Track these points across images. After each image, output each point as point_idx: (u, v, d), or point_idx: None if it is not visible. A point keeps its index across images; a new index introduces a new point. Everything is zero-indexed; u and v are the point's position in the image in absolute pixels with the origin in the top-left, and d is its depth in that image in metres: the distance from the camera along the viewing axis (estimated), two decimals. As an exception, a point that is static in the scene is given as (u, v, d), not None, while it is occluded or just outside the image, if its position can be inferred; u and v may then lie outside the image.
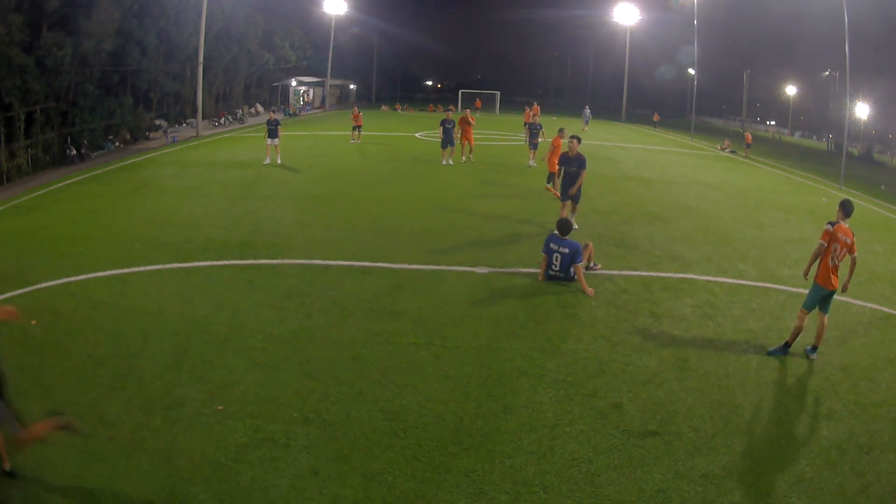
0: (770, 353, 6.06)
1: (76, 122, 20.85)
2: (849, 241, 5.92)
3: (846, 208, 6.06)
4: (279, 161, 16.74)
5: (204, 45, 26.07)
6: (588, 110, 34.76)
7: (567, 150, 10.30)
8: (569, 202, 10.26)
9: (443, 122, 17.68)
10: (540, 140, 18.07)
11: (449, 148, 17.58)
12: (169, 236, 9.41)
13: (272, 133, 16.61)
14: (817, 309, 6.04)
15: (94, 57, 21.03)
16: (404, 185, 14.43)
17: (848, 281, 6.04)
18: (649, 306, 7.13)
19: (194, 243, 9.02)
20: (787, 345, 6.08)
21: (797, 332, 6.03)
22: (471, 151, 18.14)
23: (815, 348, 6.05)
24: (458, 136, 17.73)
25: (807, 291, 6.13)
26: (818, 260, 5.99)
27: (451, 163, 17.50)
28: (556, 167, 13.09)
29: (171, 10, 25.80)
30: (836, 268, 5.94)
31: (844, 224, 5.99)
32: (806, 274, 6.13)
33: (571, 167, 10.13)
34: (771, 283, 8.20)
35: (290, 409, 4.75)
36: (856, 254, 5.99)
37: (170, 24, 26.03)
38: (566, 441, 4.48)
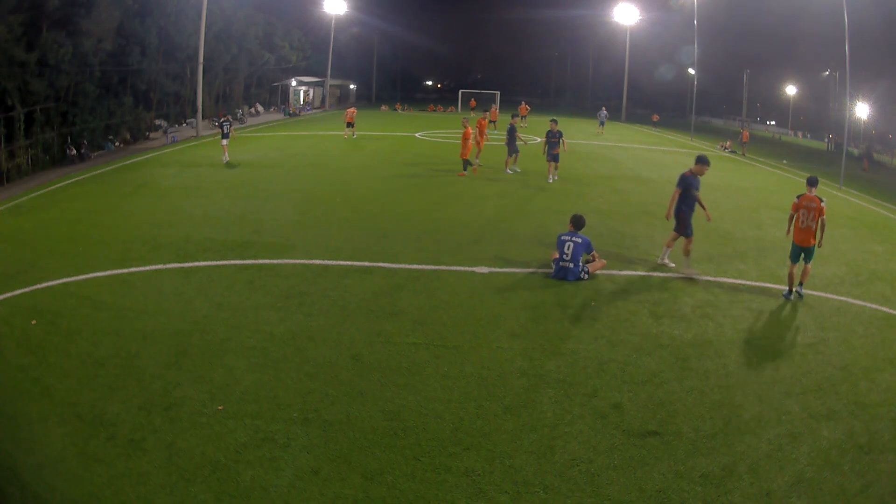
0: (785, 297, 7.60)
1: (76, 122, 20.86)
2: (814, 205, 7.45)
3: (810, 182, 7.72)
4: (225, 159, 17.25)
5: (204, 45, 26.07)
6: (604, 111, 33.29)
7: (697, 171, 8.50)
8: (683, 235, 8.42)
9: (511, 129, 16.27)
10: (558, 151, 15.14)
11: (514, 155, 16.37)
12: (169, 236, 9.41)
13: (224, 133, 17.58)
14: (803, 259, 7.58)
15: (93, 57, 21.04)
16: (404, 185, 14.43)
17: (821, 238, 7.50)
18: (649, 306, 7.13)
19: (194, 243, 9.02)
20: (790, 290, 7.57)
21: (791, 278, 7.62)
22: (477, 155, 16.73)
23: (801, 284, 7.62)
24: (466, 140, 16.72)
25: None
26: (793, 224, 7.67)
27: (518, 170, 16.27)
28: (468, 155, 15.24)
29: (171, 10, 25.82)
30: (809, 228, 7.46)
31: (810, 194, 7.55)
32: (788, 233, 7.78)
33: (698, 190, 8.40)
34: (771, 283, 8.20)
35: (290, 409, 4.75)
36: (825, 216, 7.41)
37: (170, 24, 26.06)
38: (566, 441, 4.48)
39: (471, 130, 15.51)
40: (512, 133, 16.11)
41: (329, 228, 10.16)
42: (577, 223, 8.19)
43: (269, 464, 4.11)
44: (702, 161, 8.48)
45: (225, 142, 17.47)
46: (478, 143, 16.44)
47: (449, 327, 6.31)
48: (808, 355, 6.07)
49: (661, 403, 5.03)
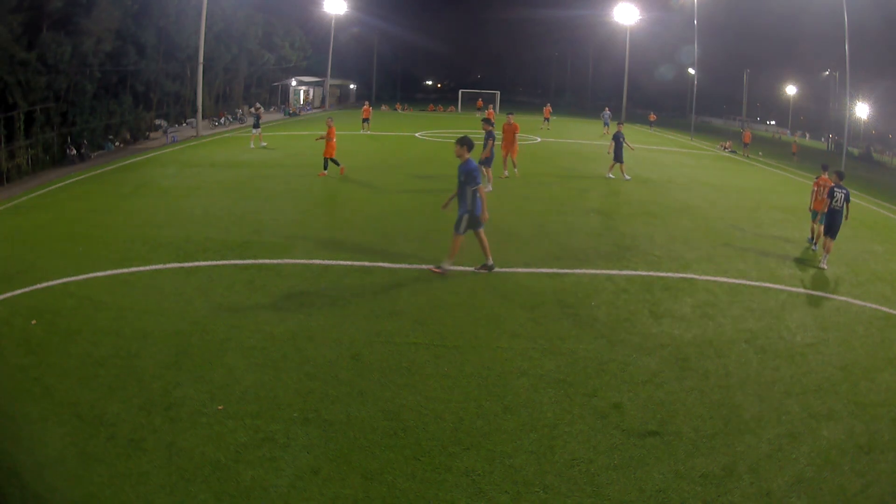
0: (813, 247, 10.29)
1: (76, 122, 20.85)
2: (827, 185, 10.03)
3: (824, 167, 10.85)
4: (262, 144, 20.78)
5: (204, 45, 26.06)
6: (608, 111, 32.51)
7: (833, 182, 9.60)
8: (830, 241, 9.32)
9: (616, 136, 16.07)
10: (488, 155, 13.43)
11: (619, 164, 16.03)
12: (169, 236, 9.41)
13: (255, 124, 21.44)
14: (819, 221, 10.01)
15: (93, 57, 21.04)
16: (404, 185, 14.43)
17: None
18: (649, 306, 7.13)
19: (194, 243, 9.02)
20: (814, 240, 10.37)
21: (813, 231, 10.48)
22: (514, 166, 15.36)
23: (815, 241, 10.37)
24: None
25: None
26: (814, 196, 10.57)
27: (628, 177, 15.98)
28: (333, 154, 14.91)
29: (171, 10, 25.81)
30: (824, 199, 9.77)
31: (825, 176, 10.47)
32: (811, 205, 10.64)
33: (839, 203, 9.33)
34: (771, 283, 8.21)
35: (290, 409, 4.75)
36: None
37: (170, 24, 26.05)
38: (566, 441, 4.47)
39: (335, 130, 15.31)
40: (618, 140, 16.08)
41: (329, 228, 10.16)
42: (470, 144, 7.75)
43: (269, 464, 4.10)
44: (836, 172, 10.02)
45: (256, 131, 20.84)
46: (511, 152, 15.08)
47: (449, 327, 6.31)
48: (808, 355, 6.07)
49: (661, 403, 5.03)
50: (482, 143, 13.20)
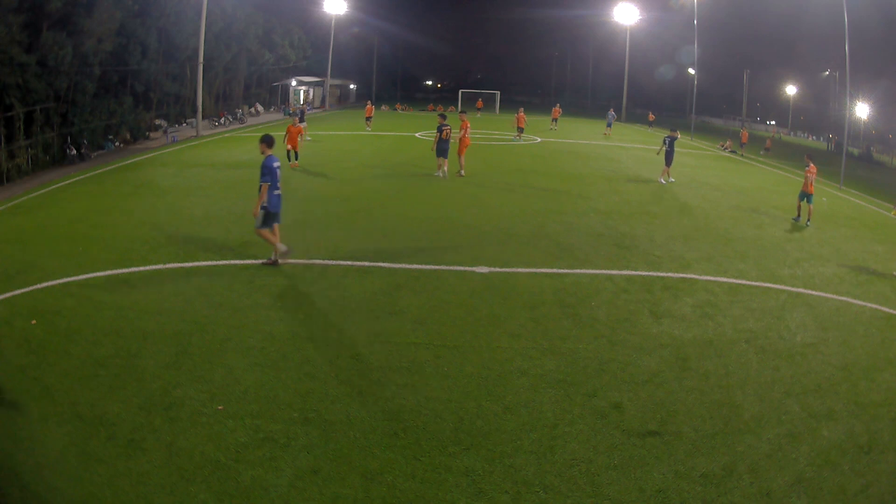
0: (794, 220, 12.50)
1: (76, 122, 20.82)
2: (813, 171, 12.55)
3: (811, 158, 13.01)
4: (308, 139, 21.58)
5: (204, 45, 26.05)
6: (613, 112, 32.68)
7: None
8: None
9: (667, 139, 16.46)
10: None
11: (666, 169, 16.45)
12: (169, 236, 9.41)
13: (301, 118, 22.38)
14: (806, 201, 12.33)
15: (94, 57, 21.01)
16: (404, 185, 14.43)
17: (812, 186, 12.42)
18: (649, 306, 7.13)
19: (194, 243, 9.02)
20: (798, 216, 12.48)
21: (799, 209, 12.49)
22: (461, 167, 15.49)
23: (809, 220, 12.23)
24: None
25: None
26: (806, 182, 12.46)
27: (673, 180, 16.42)
28: (298, 147, 16.27)
29: (171, 10, 25.79)
30: (811, 183, 12.36)
31: (813, 167, 12.55)
32: (806, 188, 12.33)
33: None
34: (771, 283, 8.21)
35: (290, 409, 4.75)
36: (815, 176, 12.60)
37: (170, 24, 26.02)
38: (566, 441, 4.48)
39: (301, 128, 16.72)
40: (671, 143, 16.41)
41: (329, 228, 10.15)
42: (269, 141, 7.99)
43: (269, 464, 4.11)
44: None
45: (302, 125, 21.33)
46: (462, 146, 15.53)
47: (449, 327, 6.31)
48: (808, 355, 6.07)
49: (661, 403, 5.03)
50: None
